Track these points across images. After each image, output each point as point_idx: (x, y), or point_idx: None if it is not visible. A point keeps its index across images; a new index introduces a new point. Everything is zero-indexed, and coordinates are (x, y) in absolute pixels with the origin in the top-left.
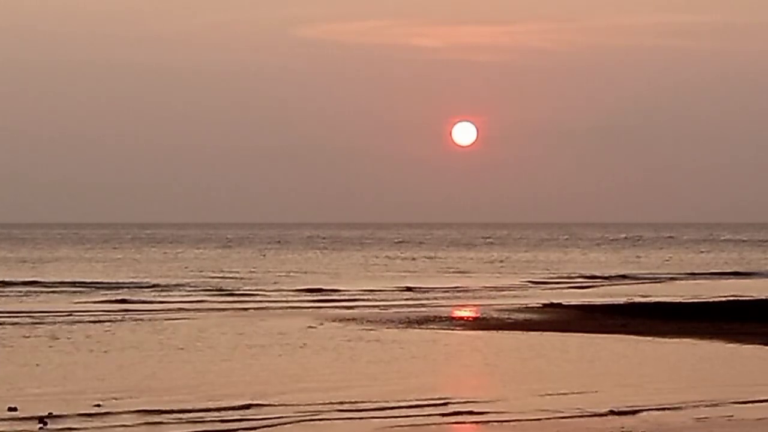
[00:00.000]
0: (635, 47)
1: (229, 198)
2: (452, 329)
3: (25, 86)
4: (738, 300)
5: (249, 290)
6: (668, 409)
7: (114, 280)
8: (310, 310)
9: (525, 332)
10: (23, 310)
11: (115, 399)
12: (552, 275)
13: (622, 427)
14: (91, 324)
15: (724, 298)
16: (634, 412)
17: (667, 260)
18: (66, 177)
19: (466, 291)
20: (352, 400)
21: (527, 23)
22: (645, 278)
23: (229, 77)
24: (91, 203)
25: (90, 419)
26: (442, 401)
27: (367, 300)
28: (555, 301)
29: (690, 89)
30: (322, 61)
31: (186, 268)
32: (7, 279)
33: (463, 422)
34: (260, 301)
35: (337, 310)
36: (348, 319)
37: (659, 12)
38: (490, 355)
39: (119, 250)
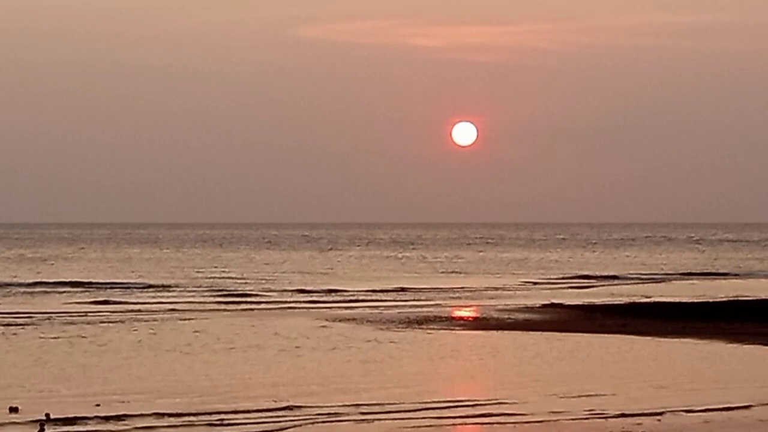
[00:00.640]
0: (635, 47)
1: (228, 198)
2: (457, 330)
3: (25, 86)
4: (738, 300)
5: (250, 291)
6: (694, 411)
7: (113, 281)
8: (314, 310)
9: (530, 332)
10: (23, 310)
11: (121, 401)
12: (551, 275)
13: (623, 428)
14: (97, 325)
15: (724, 298)
16: (654, 414)
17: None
18: (66, 177)
19: (467, 291)
20: (377, 402)
21: (527, 23)
22: (631, 279)
23: (229, 77)
24: (91, 203)
25: (105, 422)
26: (469, 403)
27: (367, 300)
28: (555, 301)
29: (690, 89)
30: (322, 61)
31: (183, 268)
32: (6, 280)
33: (488, 423)
34: (260, 302)
35: (339, 311)
36: (349, 320)
37: (659, 12)
38: (499, 356)
39: (119, 251)
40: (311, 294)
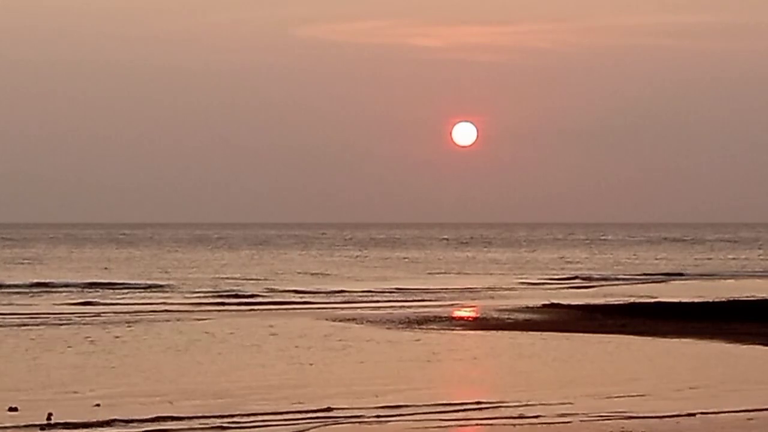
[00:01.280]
0: (635, 47)
1: (228, 198)
2: (457, 330)
3: (25, 86)
4: (738, 300)
5: (249, 291)
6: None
7: (114, 281)
8: (314, 310)
9: (530, 333)
10: (19, 311)
11: (115, 404)
12: (550, 275)
13: (622, 428)
14: (95, 325)
15: (723, 298)
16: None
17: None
18: (66, 177)
19: (466, 291)
20: (406, 403)
21: (527, 23)
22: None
23: (229, 77)
24: (91, 203)
25: (110, 427)
26: (492, 404)
27: (367, 300)
28: (555, 302)
29: (690, 89)
30: (322, 61)
31: (183, 268)
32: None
33: (491, 424)
34: (260, 303)
35: (339, 311)
36: (349, 319)
37: (659, 12)
38: (500, 357)
39: (119, 250)
40: (311, 294)
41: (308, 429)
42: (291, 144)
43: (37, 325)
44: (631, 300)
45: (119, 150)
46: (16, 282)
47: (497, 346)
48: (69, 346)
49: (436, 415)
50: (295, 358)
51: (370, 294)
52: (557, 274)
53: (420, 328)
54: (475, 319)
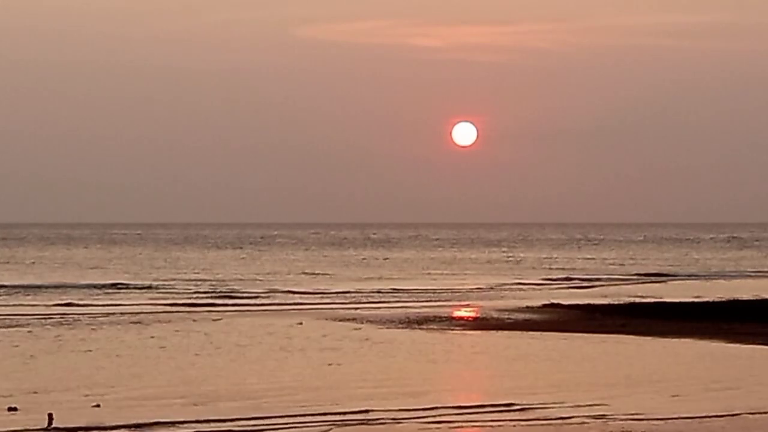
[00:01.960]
0: (635, 47)
1: (228, 198)
2: (456, 330)
3: (25, 86)
4: (738, 300)
5: (249, 291)
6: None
7: (113, 281)
8: (314, 311)
9: (531, 333)
10: (16, 312)
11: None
12: (550, 275)
13: (622, 428)
14: (93, 325)
15: (723, 298)
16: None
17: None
18: (66, 177)
19: (466, 291)
20: (443, 405)
21: (527, 23)
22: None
23: (229, 77)
24: (91, 203)
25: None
26: (519, 407)
27: (367, 300)
28: (554, 302)
29: (689, 89)
30: (322, 61)
31: (183, 268)
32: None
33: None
34: (259, 303)
35: (339, 311)
36: (349, 320)
37: (659, 12)
38: (500, 357)
39: (117, 251)
40: (310, 295)
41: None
42: (291, 144)
43: (31, 325)
44: (631, 300)
45: (119, 150)
46: (15, 283)
47: (495, 347)
48: (67, 346)
49: (471, 416)
50: (315, 359)
51: (369, 294)
52: (557, 274)
53: (420, 328)
54: (474, 319)
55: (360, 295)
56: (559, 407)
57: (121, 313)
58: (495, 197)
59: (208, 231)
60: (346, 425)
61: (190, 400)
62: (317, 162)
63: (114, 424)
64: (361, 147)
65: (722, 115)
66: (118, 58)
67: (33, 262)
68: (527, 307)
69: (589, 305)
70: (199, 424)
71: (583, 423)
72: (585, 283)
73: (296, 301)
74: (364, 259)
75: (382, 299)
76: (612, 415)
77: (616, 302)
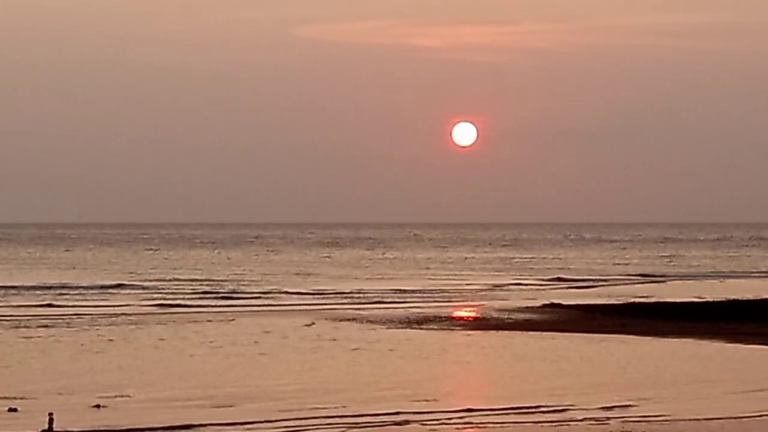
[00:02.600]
0: (635, 47)
1: (228, 198)
2: (456, 330)
3: (25, 86)
4: (738, 300)
5: (248, 292)
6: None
7: (112, 281)
8: (314, 311)
9: (531, 333)
10: (14, 313)
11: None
12: (549, 275)
13: (622, 428)
14: (91, 325)
15: (723, 298)
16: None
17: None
18: (66, 177)
19: (466, 291)
20: (475, 407)
21: (527, 23)
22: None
23: (229, 77)
24: (91, 203)
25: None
26: (546, 408)
27: (367, 300)
28: (554, 301)
29: (689, 89)
30: (322, 61)
31: (176, 269)
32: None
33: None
34: (260, 303)
35: (339, 311)
36: (350, 319)
37: (659, 12)
38: (500, 358)
39: (118, 251)
40: (309, 295)
41: None
42: (291, 144)
43: (28, 325)
44: (631, 300)
45: (119, 150)
46: (15, 283)
47: (495, 347)
48: (66, 347)
49: (504, 417)
50: (337, 360)
51: (369, 294)
52: (557, 274)
53: (421, 328)
54: (475, 319)
55: (361, 295)
56: (585, 410)
57: (123, 314)
58: (495, 197)
59: (208, 231)
60: (377, 426)
61: (208, 402)
62: (317, 162)
63: (121, 427)
64: (361, 147)
65: (722, 115)
66: (118, 58)
67: (37, 261)
68: (527, 307)
69: (589, 305)
70: (214, 428)
71: (603, 424)
72: (584, 283)
73: (298, 301)
74: (363, 259)
75: (384, 299)
76: (631, 417)
77: (615, 302)
